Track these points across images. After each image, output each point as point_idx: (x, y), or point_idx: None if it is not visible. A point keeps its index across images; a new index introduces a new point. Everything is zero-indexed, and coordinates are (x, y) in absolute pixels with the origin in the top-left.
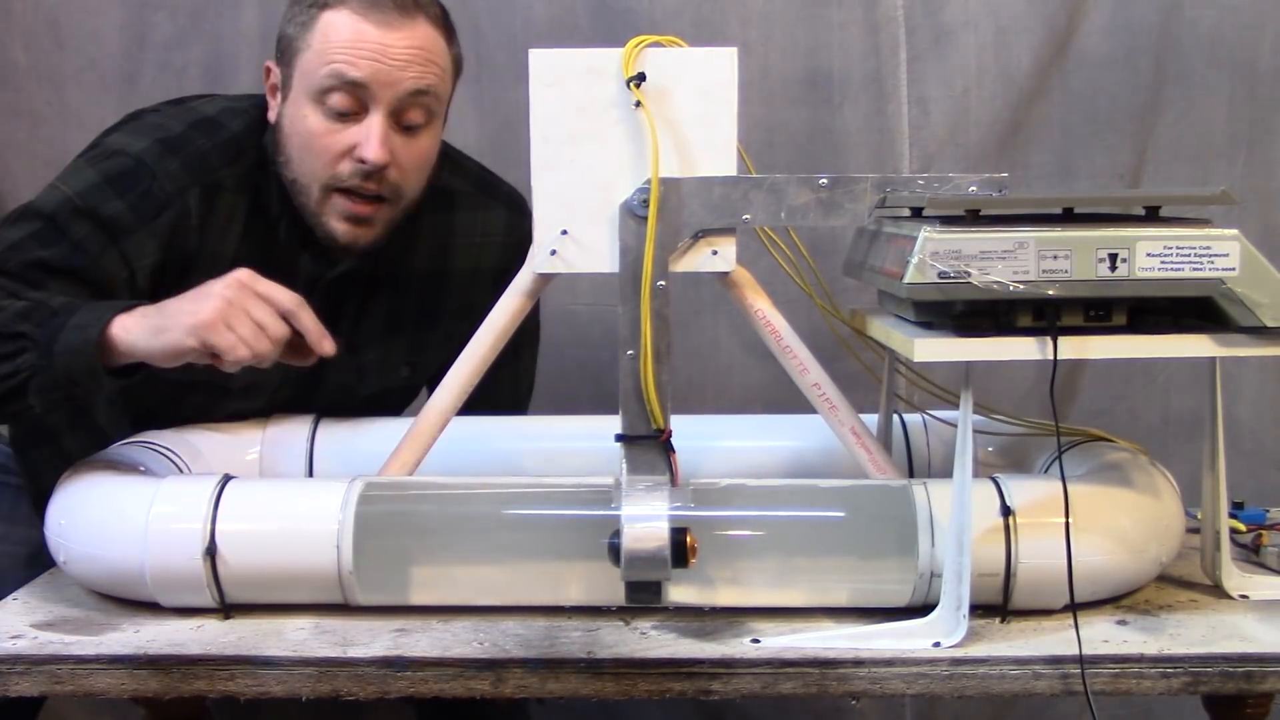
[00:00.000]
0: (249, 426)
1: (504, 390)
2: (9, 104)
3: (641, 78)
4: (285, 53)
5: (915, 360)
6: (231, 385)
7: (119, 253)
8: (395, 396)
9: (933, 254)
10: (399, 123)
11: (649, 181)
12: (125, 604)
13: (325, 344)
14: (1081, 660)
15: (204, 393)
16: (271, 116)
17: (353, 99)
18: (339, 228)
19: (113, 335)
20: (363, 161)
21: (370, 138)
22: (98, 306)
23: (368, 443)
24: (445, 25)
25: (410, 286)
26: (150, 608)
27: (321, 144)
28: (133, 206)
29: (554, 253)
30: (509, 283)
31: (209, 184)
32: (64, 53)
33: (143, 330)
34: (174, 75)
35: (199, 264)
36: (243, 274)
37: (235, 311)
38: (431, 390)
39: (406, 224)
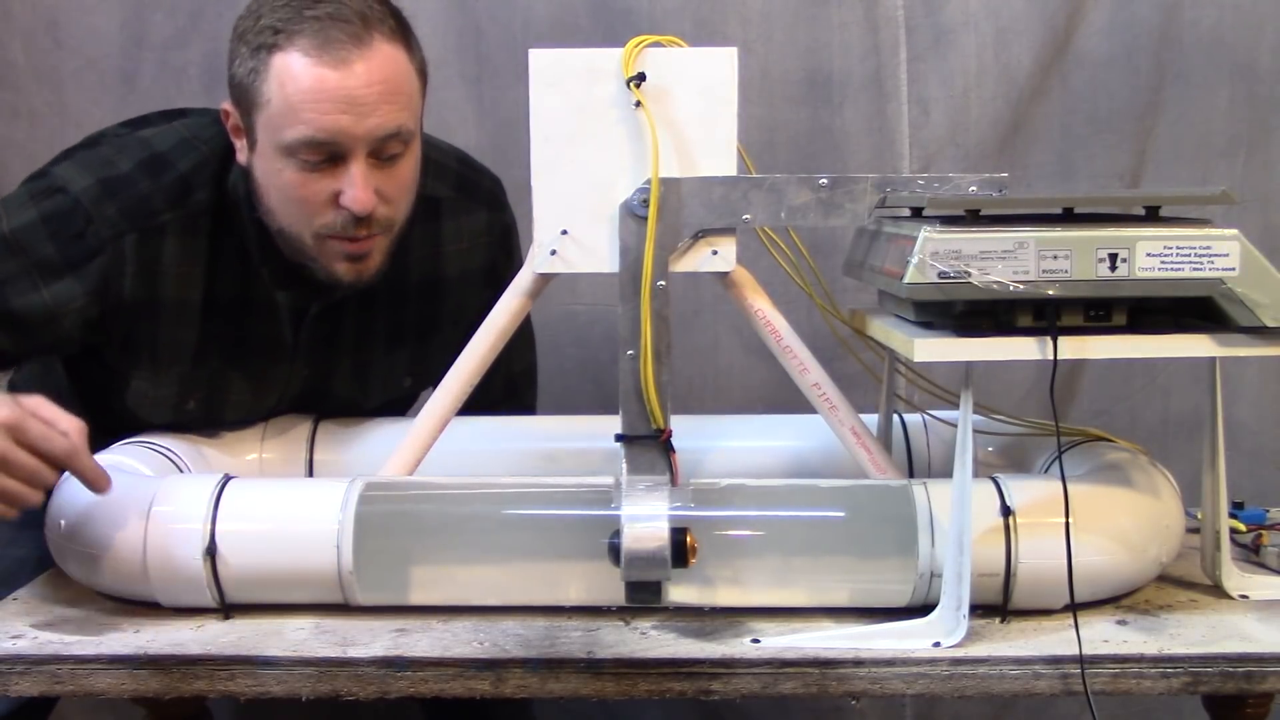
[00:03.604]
0: (249, 427)
1: (495, 381)
2: (7, 103)
3: (641, 78)
4: (242, 101)
5: (915, 360)
6: (225, 419)
7: (47, 295)
8: (397, 405)
9: (933, 254)
10: (379, 158)
11: (649, 181)
12: (125, 604)
13: (102, 484)
14: (1081, 660)
15: (200, 428)
16: (241, 159)
17: (326, 152)
18: (341, 268)
19: None
20: (349, 210)
21: (353, 186)
22: None
23: (368, 443)
24: (402, 34)
25: (406, 298)
26: (150, 608)
27: (302, 196)
28: (62, 250)
29: (554, 253)
30: (497, 276)
31: (148, 229)
32: (63, 52)
33: None
34: (173, 75)
35: (153, 312)
36: (13, 415)
37: (5, 463)
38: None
39: (398, 238)
